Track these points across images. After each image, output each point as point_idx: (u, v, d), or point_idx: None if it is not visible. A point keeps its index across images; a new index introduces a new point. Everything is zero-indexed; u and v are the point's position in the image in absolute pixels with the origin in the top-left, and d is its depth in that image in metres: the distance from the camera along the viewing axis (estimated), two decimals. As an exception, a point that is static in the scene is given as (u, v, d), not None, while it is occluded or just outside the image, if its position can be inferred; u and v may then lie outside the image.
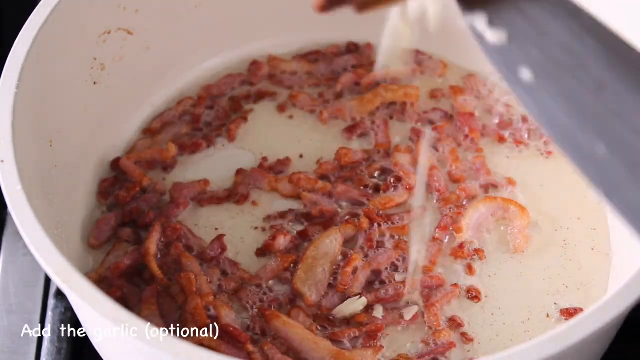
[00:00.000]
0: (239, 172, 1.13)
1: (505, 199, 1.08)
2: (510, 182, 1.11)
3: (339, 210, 1.09)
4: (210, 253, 1.04)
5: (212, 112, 1.21)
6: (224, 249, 1.05)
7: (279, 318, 0.97)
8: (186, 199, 1.10)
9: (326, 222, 1.08)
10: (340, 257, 1.04)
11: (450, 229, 1.06)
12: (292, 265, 1.03)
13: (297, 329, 0.96)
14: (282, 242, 1.05)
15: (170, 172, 1.14)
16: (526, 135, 1.16)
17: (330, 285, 1.02)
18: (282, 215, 1.09)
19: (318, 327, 0.98)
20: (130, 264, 1.03)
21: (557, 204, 1.10)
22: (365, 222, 1.06)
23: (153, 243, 1.04)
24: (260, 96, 1.23)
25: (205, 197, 1.11)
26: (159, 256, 1.04)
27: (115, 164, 1.13)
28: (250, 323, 0.98)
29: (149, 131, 1.18)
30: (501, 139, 1.16)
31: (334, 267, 1.03)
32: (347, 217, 1.07)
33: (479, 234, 1.06)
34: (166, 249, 1.05)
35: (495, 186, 1.11)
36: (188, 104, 1.21)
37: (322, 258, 1.03)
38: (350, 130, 1.18)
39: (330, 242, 1.04)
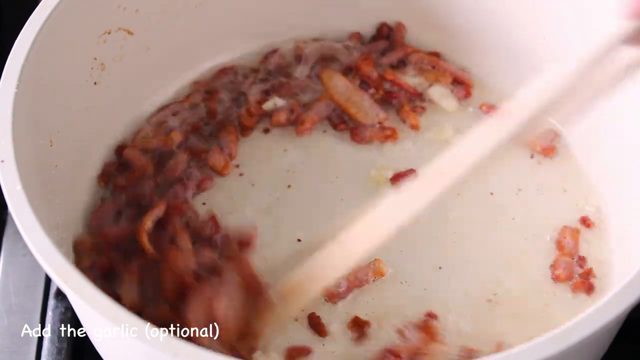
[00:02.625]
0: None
1: None
2: None
3: None
4: (206, 232, 1.04)
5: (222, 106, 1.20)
6: (217, 229, 1.05)
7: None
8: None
9: None
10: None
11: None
12: None
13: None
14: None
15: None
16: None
17: None
18: None
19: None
20: (120, 233, 1.03)
21: (557, 204, 1.10)
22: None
23: (150, 219, 1.03)
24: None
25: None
26: (152, 232, 1.03)
27: (120, 152, 1.13)
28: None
29: (156, 122, 1.18)
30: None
31: None
32: None
33: None
34: (165, 225, 1.04)
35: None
36: (197, 97, 1.21)
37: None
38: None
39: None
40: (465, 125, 1.17)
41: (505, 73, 1.22)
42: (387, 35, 1.27)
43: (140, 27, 1.13)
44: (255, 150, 1.16)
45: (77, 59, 1.05)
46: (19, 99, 0.91)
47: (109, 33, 1.09)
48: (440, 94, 1.20)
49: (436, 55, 1.25)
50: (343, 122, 1.18)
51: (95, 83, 1.09)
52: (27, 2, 1.14)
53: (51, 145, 0.98)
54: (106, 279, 0.99)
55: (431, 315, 0.99)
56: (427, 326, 0.97)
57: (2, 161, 0.85)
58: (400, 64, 1.24)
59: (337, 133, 1.17)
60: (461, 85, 1.22)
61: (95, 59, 1.08)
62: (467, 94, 1.21)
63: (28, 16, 0.97)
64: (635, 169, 1.05)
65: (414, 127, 1.18)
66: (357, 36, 1.27)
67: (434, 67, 1.22)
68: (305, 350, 0.97)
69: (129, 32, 1.12)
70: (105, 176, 1.11)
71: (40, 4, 0.99)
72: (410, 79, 1.21)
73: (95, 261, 1.00)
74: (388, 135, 1.16)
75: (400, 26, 1.27)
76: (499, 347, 0.94)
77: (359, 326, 0.98)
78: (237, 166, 1.15)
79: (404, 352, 0.94)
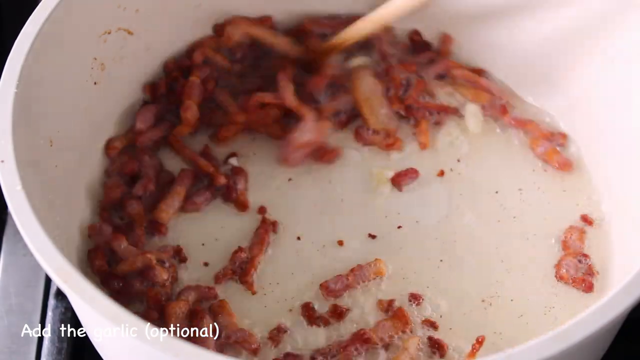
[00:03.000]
0: None
1: None
2: None
3: None
4: None
5: None
6: None
7: None
8: None
9: None
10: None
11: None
12: None
13: None
14: None
15: None
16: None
17: None
18: None
19: None
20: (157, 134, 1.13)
21: (558, 204, 1.10)
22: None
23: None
24: None
25: None
26: None
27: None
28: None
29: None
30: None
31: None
32: None
33: None
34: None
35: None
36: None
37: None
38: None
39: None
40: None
41: (544, 93, 1.19)
42: (430, 46, 1.24)
43: (140, 27, 1.13)
44: (257, 149, 1.17)
45: (77, 59, 1.05)
46: (19, 99, 0.91)
47: (109, 33, 1.09)
48: (471, 112, 1.18)
49: (480, 72, 1.22)
50: (346, 122, 1.17)
51: (95, 83, 1.09)
52: (27, 2, 1.14)
53: (51, 145, 0.98)
54: (129, 186, 1.08)
55: (415, 297, 1.00)
56: (401, 314, 0.98)
57: (2, 161, 0.85)
58: (440, 77, 1.21)
59: (340, 133, 1.17)
60: (500, 100, 1.18)
61: (95, 59, 1.08)
62: (504, 112, 1.17)
63: (28, 16, 0.97)
64: (635, 169, 1.05)
65: (423, 146, 1.15)
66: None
67: (473, 85, 1.19)
68: (284, 328, 0.98)
69: (129, 32, 1.12)
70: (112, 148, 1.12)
71: (40, 4, 0.98)
72: (447, 96, 1.19)
73: (124, 163, 1.09)
74: (390, 143, 1.15)
75: (446, 38, 1.24)
76: (479, 343, 0.95)
77: (338, 313, 0.99)
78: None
79: (374, 338, 0.95)
